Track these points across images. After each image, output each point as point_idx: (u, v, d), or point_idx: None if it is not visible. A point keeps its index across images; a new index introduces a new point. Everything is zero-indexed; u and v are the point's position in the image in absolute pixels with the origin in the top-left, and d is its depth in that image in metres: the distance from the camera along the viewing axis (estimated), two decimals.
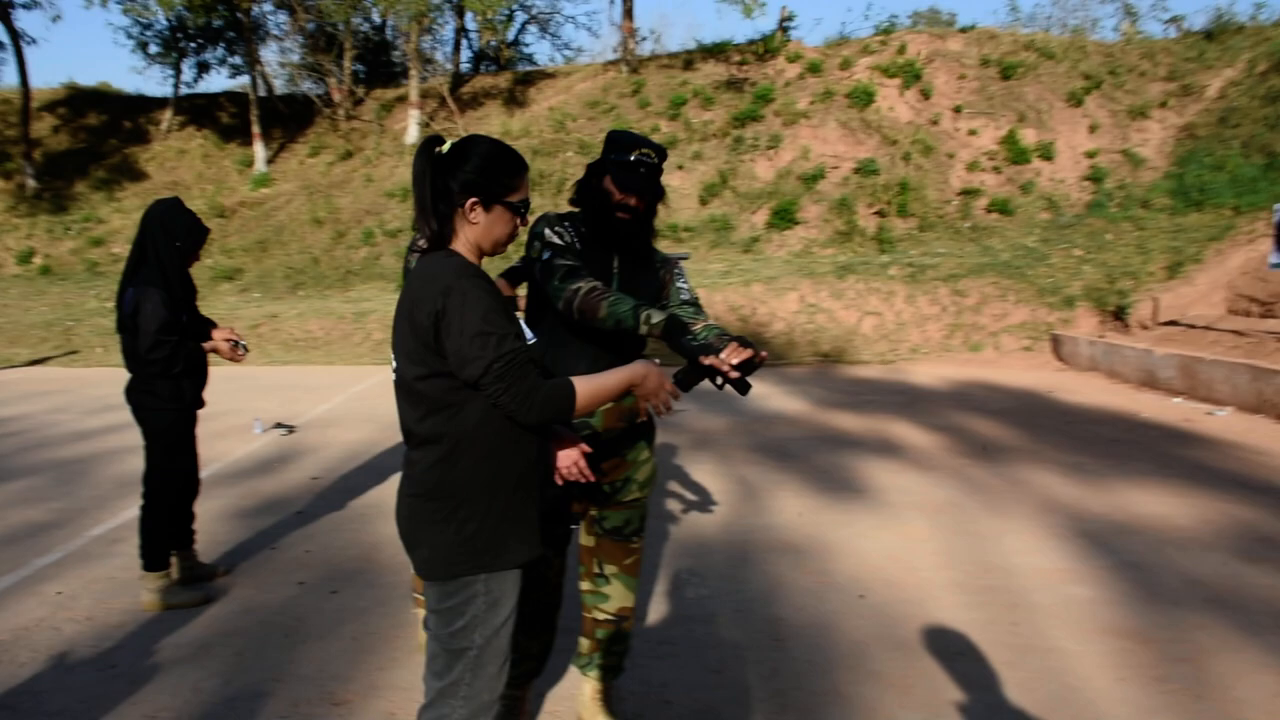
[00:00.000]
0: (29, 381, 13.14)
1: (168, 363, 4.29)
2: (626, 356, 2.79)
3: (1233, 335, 11.41)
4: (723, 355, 2.59)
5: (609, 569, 3.18)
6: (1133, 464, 7.20)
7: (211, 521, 5.87)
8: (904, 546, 5.27)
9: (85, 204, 24.21)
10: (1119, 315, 13.67)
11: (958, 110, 20.44)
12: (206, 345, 4.57)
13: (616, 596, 3.19)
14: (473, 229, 2.28)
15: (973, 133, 19.94)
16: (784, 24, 24.42)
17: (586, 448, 2.65)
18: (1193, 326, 12.45)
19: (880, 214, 18.33)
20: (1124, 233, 16.32)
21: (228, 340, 4.69)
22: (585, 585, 3.23)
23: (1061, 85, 20.60)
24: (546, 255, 2.88)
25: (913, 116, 20.54)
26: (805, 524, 5.72)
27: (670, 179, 20.08)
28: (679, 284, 3.17)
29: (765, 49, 23.52)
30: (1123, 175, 18.71)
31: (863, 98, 20.66)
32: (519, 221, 2.35)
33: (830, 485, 6.68)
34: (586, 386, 2.26)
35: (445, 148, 2.30)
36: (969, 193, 18.64)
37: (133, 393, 4.43)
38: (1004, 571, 4.81)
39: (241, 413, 9.82)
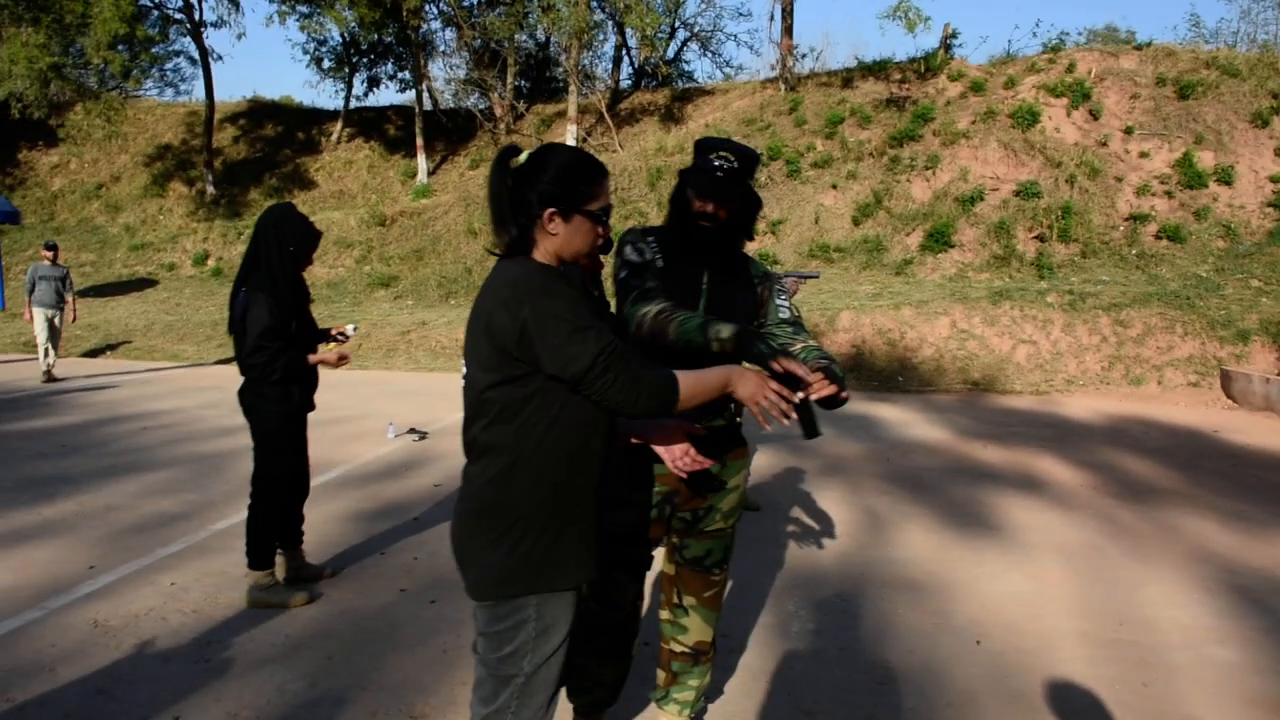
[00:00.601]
0: (188, 377, 13.82)
1: (265, 368, 4.38)
2: None
3: None
4: (810, 383, 2.45)
5: (688, 600, 3.06)
6: None
7: (328, 523, 6.01)
8: (1033, 590, 4.98)
9: (257, 210, 25.41)
10: None
11: (1129, 131, 19.49)
12: (312, 358, 4.60)
13: (694, 629, 3.07)
14: (552, 240, 2.23)
15: (1144, 155, 18.97)
16: (947, 42, 23.80)
17: (696, 429, 2.56)
18: None
19: (1040, 239, 17.61)
20: None
21: (336, 356, 4.71)
22: (664, 614, 3.13)
23: (1245, 105, 19.40)
24: (623, 274, 2.80)
25: (1079, 137, 19.69)
26: (928, 560, 5.47)
27: (824, 198, 19.81)
28: (778, 301, 3.00)
29: (926, 67, 22.96)
30: None
31: (1027, 118, 19.92)
32: (600, 230, 2.28)
33: (962, 520, 6.39)
34: (687, 379, 2.20)
35: (522, 158, 2.25)
36: (1137, 218, 17.72)
37: (244, 394, 4.57)
38: (1140, 625, 4.48)
39: (379, 416, 10.08)
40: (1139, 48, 21.77)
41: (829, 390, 2.47)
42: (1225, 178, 18.13)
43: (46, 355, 13.11)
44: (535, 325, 2.05)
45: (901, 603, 4.74)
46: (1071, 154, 19.12)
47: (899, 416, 10.84)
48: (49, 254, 13.43)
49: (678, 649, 3.09)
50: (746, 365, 2.40)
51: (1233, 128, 19.06)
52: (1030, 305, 14.57)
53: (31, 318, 13.20)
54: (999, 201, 18.62)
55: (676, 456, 2.55)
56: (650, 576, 3.14)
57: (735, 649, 4.09)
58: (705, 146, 2.84)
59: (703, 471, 2.78)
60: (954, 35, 23.91)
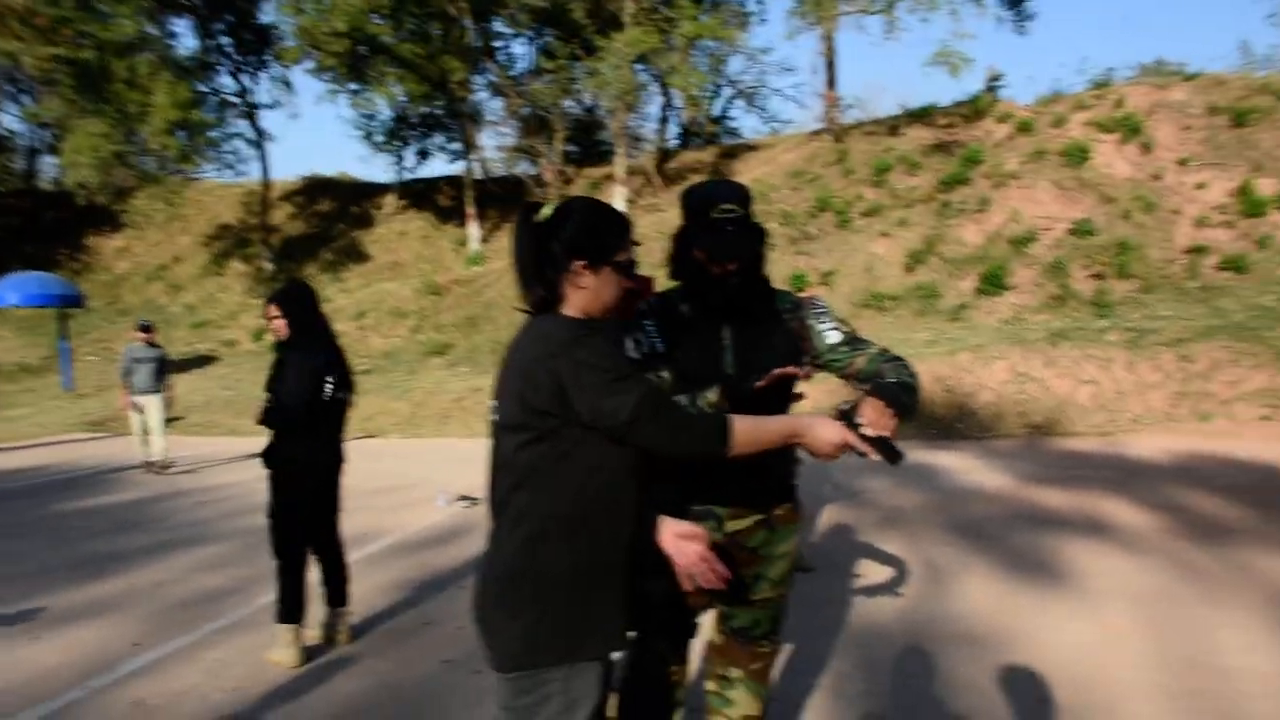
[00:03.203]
0: (244, 451, 13.94)
1: None
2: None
3: None
4: (862, 422, 2.26)
5: (734, 672, 2.87)
6: None
7: (374, 593, 5.99)
8: (1100, 640, 4.79)
9: (313, 284, 25.82)
10: None
11: (1183, 163, 19.19)
12: None
13: (741, 703, 2.87)
14: (582, 294, 2.19)
15: (1200, 186, 18.64)
16: (991, 84, 23.76)
17: (706, 534, 2.32)
18: None
19: (1097, 276, 17.32)
20: None
21: None
22: (710, 685, 2.94)
23: None
24: None
25: (1132, 172, 19.42)
26: (991, 612, 5.30)
27: (875, 246, 19.71)
28: (820, 326, 2.75)
29: (973, 110, 22.89)
30: None
31: (1077, 155, 19.70)
32: (626, 283, 2.24)
33: (1025, 569, 6.20)
34: (745, 423, 2.13)
35: (546, 212, 2.22)
36: (1197, 250, 17.37)
37: None
38: (1216, 673, 4.27)
39: (431, 484, 10.06)
40: (1189, 78, 21.54)
41: (886, 429, 2.28)
42: None
43: (145, 445, 11.89)
44: (572, 378, 2.01)
45: (962, 659, 4.58)
46: (1125, 189, 18.86)
47: (958, 464, 10.61)
48: (143, 335, 11.91)
49: None
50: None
51: None
52: (1090, 344, 14.28)
53: (129, 406, 11.83)
54: (1053, 241, 18.38)
55: (690, 563, 2.27)
56: (698, 644, 2.98)
57: (790, 713, 3.97)
58: (702, 202, 2.68)
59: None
60: (999, 77, 23.97)
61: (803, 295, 2.85)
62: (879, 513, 8.10)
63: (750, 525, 2.71)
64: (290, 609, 4.80)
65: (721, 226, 2.64)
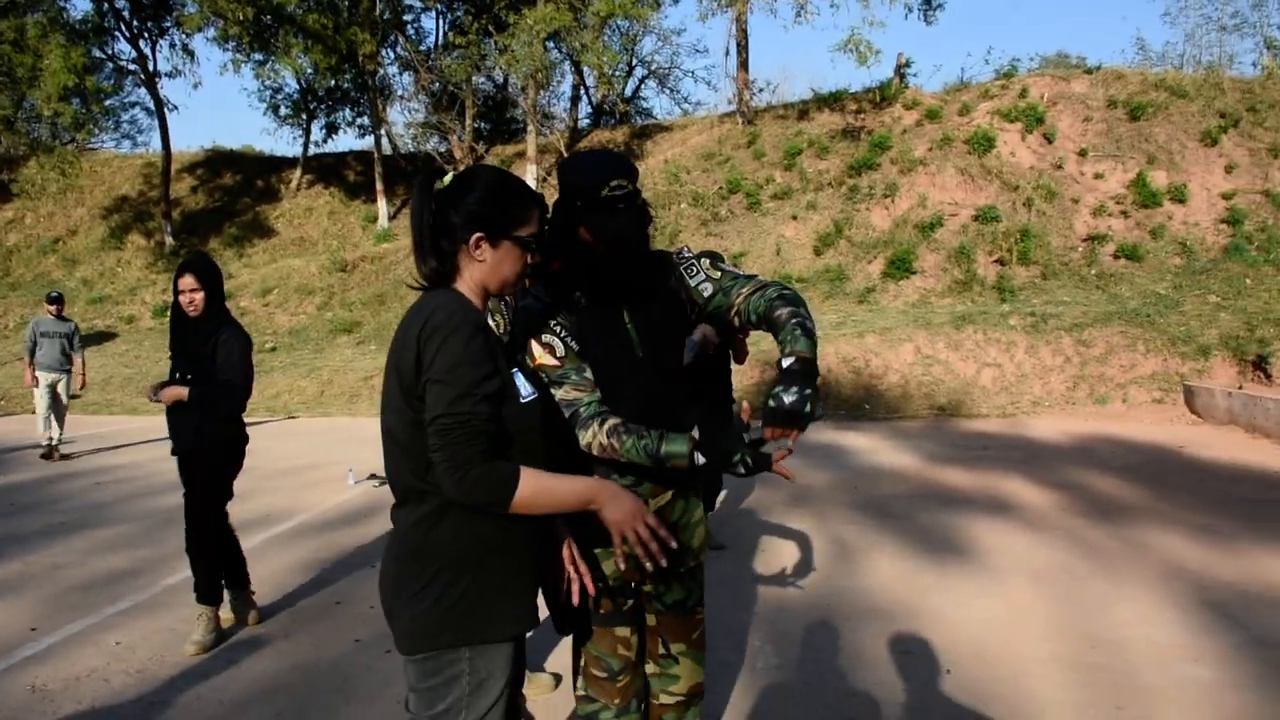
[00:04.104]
0: (143, 432, 13.53)
1: None
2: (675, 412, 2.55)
3: None
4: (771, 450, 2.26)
5: (676, 647, 2.76)
6: (1270, 526, 6.62)
7: (284, 573, 5.85)
8: (1003, 615, 4.88)
9: (217, 260, 25.08)
10: (1260, 365, 12.83)
11: (1083, 154, 19.70)
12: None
13: (686, 675, 2.78)
14: (478, 267, 2.09)
15: (1099, 176, 19.16)
16: (901, 71, 24.03)
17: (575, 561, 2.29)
18: None
19: (1000, 262, 17.70)
20: (1265, 277, 15.39)
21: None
22: (650, 669, 2.81)
23: (1195, 125, 19.67)
24: (543, 382, 2.45)
25: (1035, 161, 19.87)
26: (898, 588, 5.37)
27: (785, 229, 19.85)
28: (694, 283, 2.60)
29: (882, 97, 23.16)
30: (1263, 217, 17.67)
31: (982, 143, 20.08)
32: (530, 258, 2.14)
33: (931, 546, 6.30)
34: (535, 483, 1.98)
35: (447, 180, 2.11)
36: (1095, 239, 17.86)
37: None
38: (1113, 646, 4.39)
39: (340, 464, 9.88)
40: (1089, 71, 22.08)
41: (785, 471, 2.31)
42: (1179, 196, 18.34)
43: (48, 427, 11.12)
44: (429, 360, 1.92)
45: (870, 633, 4.63)
46: (1028, 178, 19.29)
47: (866, 444, 10.76)
48: (53, 307, 11.33)
49: (670, 700, 2.80)
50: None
51: (1183, 147, 19.32)
52: (993, 328, 14.60)
53: (35, 381, 11.09)
54: (958, 227, 18.72)
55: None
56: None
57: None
58: (584, 176, 2.44)
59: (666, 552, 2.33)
60: (908, 64, 24.16)
61: (670, 251, 2.69)
62: (788, 491, 8.16)
63: (669, 499, 2.67)
64: (212, 589, 4.67)
65: (613, 205, 2.43)
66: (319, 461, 10.28)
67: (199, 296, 4.62)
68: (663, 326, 2.60)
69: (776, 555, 6.18)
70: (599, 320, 2.52)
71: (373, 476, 9.00)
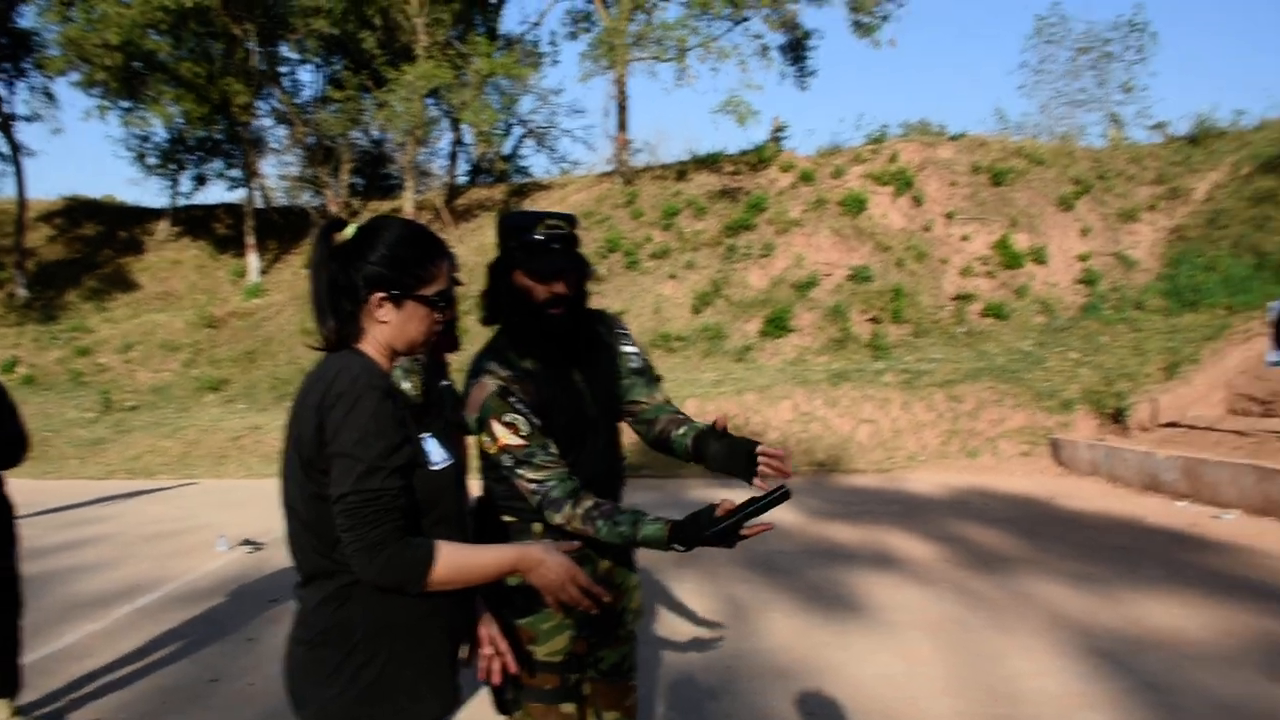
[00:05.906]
0: None
1: None
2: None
3: (1235, 435, 11.11)
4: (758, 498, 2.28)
5: (609, 715, 2.68)
6: (1142, 572, 6.87)
7: (151, 648, 5.53)
8: (903, 671, 4.92)
9: (75, 313, 24.18)
10: (1118, 418, 13.40)
11: (950, 216, 20.48)
12: None
13: None
14: (382, 329, 1.94)
15: (965, 238, 19.93)
16: (776, 134, 24.67)
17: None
18: (1194, 427, 12.16)
19: (874, 320, 18.20)
20: (1119, 334, 16.14)
21: None
22: None
23: (1052, 190, 20.68)
24: (508, 463, 2.37)
25: (905, 223, 20.57)
26: (795, 647, 5.37)
27: (663, 288, 20.03)
28: (624, 347, 2.64)
29: (758, 159, 23.70)
30: (1116, 277, 18.64)
31: (855, 205, 20.71)
32: (437, 317, 2.00)
33: (824, 603, 6.34)
34: (453, 558, 1.87)
35: (349, 232, 1.97)
36: (963, 298, 18.55)
37: None
38: (1012, 698, 4.46)
39: (210, 528, 9.45)
40: (954, 138, 23.02)
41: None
42: (1039, 257, 19.22)
43: None
44: (333, 433, 1.79)
45: (773, 694, 4.60)
46: (899, 239, 19.94)
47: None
48: None
49: None
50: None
51: (1042, 211, 20.27)
52: (869, 385, 14.93)
53: None
54: (833, 286, 19.19)
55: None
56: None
57: None
58: (520, 223, 2.43)
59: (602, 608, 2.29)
60: (783, 128, 24.84)
61: (604, 311, 2.70)
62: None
63: (611, 563, 2.62)
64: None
65: (547, 245, 2.38)
66: (187, 527, 9.82)
67: None
68: (609, 380, 2.60)
69: (671, 618, 6.12)
70: (554, 384, 2.47)
71: (246, 542, 8.62)
